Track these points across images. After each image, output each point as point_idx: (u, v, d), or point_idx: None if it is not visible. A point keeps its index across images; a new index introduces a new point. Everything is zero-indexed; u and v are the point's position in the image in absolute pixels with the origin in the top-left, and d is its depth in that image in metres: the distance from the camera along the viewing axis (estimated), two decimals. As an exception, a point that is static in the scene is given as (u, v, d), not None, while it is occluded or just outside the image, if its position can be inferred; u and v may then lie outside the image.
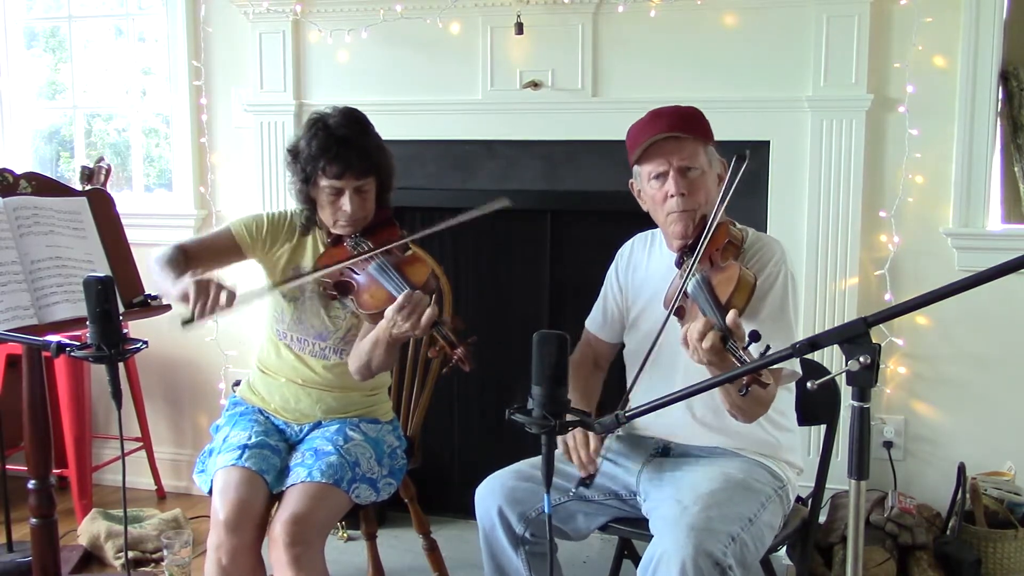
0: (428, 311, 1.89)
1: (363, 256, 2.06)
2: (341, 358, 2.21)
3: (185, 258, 2.18)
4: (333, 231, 2.17)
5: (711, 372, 1.68)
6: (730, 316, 1.64)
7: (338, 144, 2.06)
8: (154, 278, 2.14)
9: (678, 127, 1.93)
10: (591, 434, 1.96)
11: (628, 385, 1.95)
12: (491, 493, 2.00)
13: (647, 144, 1.94)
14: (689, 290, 1.84)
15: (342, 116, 2.11)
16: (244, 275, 2.33)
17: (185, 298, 1.94)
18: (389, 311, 1.92)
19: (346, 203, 2.09)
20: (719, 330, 1.63)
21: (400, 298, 1.91)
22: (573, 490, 2.00)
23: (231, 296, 1.95)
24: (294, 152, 2.14)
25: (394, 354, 2.10)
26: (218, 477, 2.04)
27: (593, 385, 2.21)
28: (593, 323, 2.26)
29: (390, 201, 2.23)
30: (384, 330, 1.96)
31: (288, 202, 2.46)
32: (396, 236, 2.15)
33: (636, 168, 2.02)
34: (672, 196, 1.93)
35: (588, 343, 2.25)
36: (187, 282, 1.95)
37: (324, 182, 2.09)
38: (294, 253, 2.25)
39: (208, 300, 1.92)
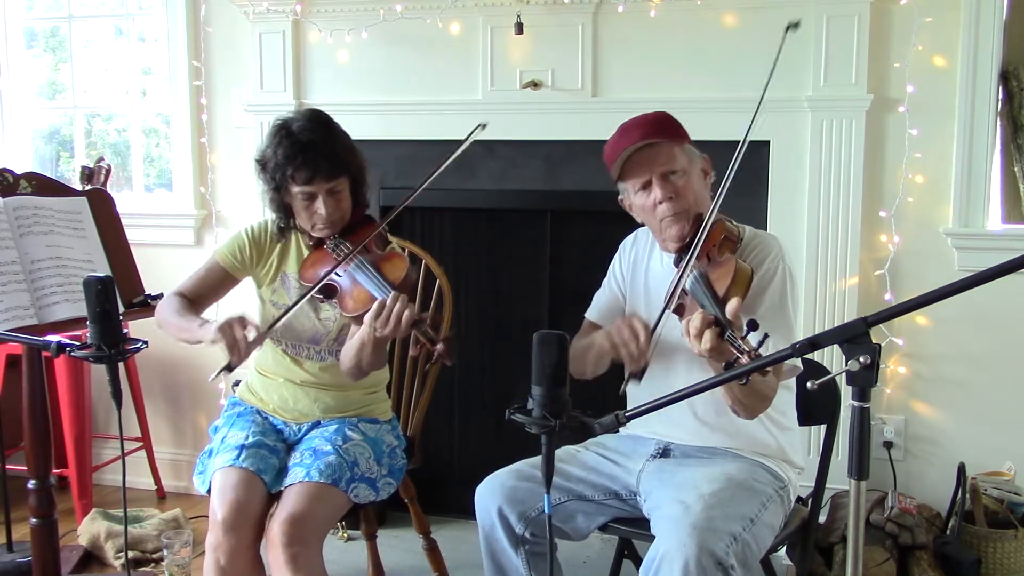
0: (405, 314, 1.89)
1: (341, 262, 2.06)
2: (336, 358, 2.21)
3: (190, 303, 2.21)
4: (312, 235, 2.17)
5: (711, 365, 1.68)
6: (730, 306, 1.63)
7: (304, 150, 2.04)
8: (170, 330, 2.15)
9: (649, 134, 1.93)
10: (639, 326, 1.86)
11: (645, 362, 1.90)
12: (491, 493, 1.99)
13: (623, 158, 1.94)
14: (688, 286, 1.83)
15: (306, 120, 2.09)
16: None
17: (215, 343, 1.96)
18: (367, 319, 1.92)
19: (320, 207, 2.08)
20: (717, 323, 1.62)
21: (374, 307, 1.92)
22: (624, 384, 1.88)
23: (257, 329, 1.96)
24: (262, 162, 2.12)
25: (383, 353, 2.10)
26: (216, 478, 2.04)
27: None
28: (597, 314, 2.22)
29: (366, 197, 2.22)
30: (368, 334, 1.97)
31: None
32: (375, 236, 2.13)
33: (621, 184, 2.02)
34: (660, 202, 1.93)
35: (593, 330, 2.22)
36: (212, 329, 1.97)
37: (296, 188, 2.08)
38: (280, 260, 2.25)
39: (238, 341, 1.94)
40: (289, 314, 2.11)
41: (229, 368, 1.95)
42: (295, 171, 2.05)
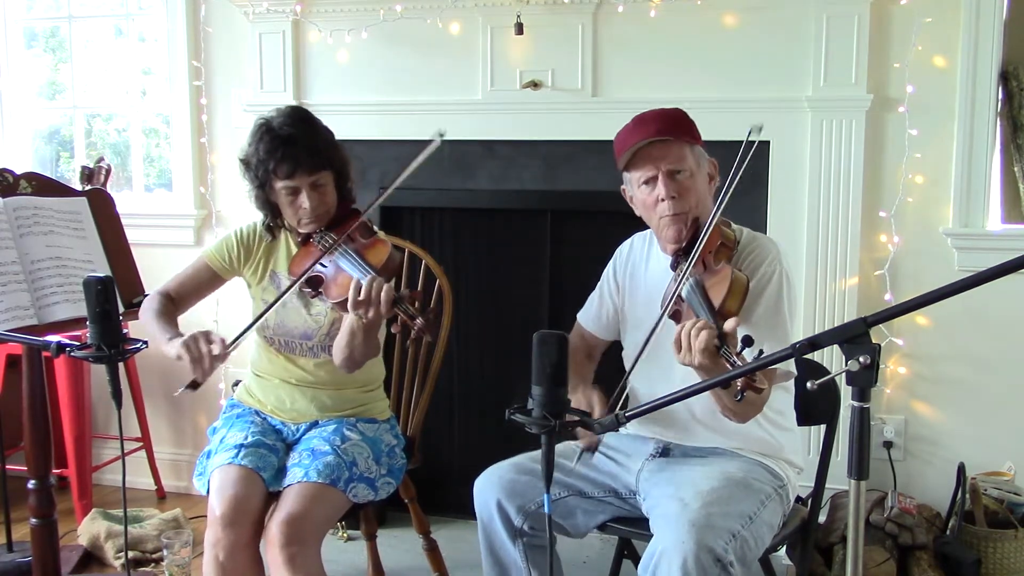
0: (383, 293, 1.89)
1: (326, 252, 2.06)
2: (331, 355, 2.21)
3: (172, 303, 2.22)
4: (300, 231, 2.17)
5: (703, 377, 1.68)
6: (728, 323, 1.64)
7: (284, 144, 2.06)
8: (148, 331, 2.15)
9: (663, 131, 1.93)
10: (595, 400, 1.99)
11: (621, 383, 1.94)
12: (490, 485, 2.00)
13: (633, 150, 1.94)
14: (684, 294, 1.84)
15: (286, 116, 2.11)
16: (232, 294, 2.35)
17: (180, 359, 1.97)
18: (349, 305, 1.93)
19: (304, 201, 2.09)
20: (712, 331, 1.63)
21: (351, 290, 1.92)
22: (577, 458, 1.99)
23: (222, 343, 1.97)
24: (245, 161, 2.14)
25: (375, 340, 2.10)
26: (215, 476, 2.04)
27: (586, 372, 2.21)
28: (586, 318, 2.25)
29: (352, 193, 2.23)
30: (355, 321, 1.98)
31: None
32: (360, 226, 2.13)
33: (626, 174, 2.02)
34: (662, 200, 1.93)
35: (581, 336, 2.25)
36: (177, 344, 1.98)
37: (279, 184, 2.09)
38: (269, 259, 2.26)
39: (202, 357, 1.94)
40: (274, 311, 2.11)
41: (193, 386, 1.96)
42: (276, 165, 2.06)
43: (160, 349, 2.07)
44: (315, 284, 2.08)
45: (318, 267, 2.07)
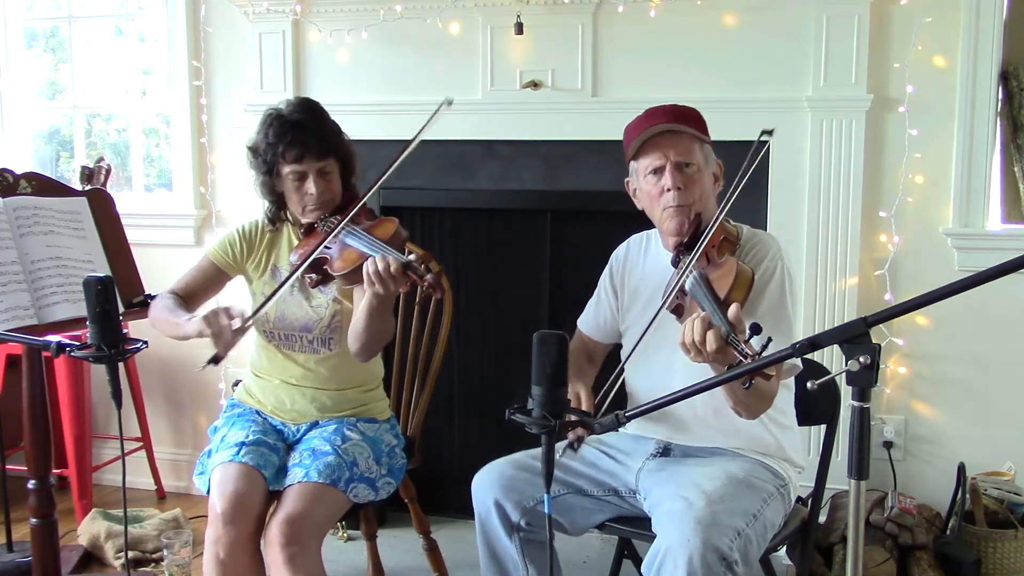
0: (393, 260, 1.87)
1: (333, 233, 2.05)
2: (331, 349, 2.21)
3: (182, 301, 2.22)
4: (304, 220, 2.17)
5: (713, 369, 1.68)
6: (731, 310, 1.63)
7: (294, 128, 2.09)
8: (161, 327, 2.15)
9: (675, 121, 1.94)
10: (583, 395, 1.98)
11: (613, 376, 1.93)
12: (488, 482, 2.01)
13: (644, 137, 1.94)
14: (687, 287, 1.83)
15: (295, 105, 2.15)
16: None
17: (201, 335, 1.96)
18: (366, 285, 1.91)
19: (311, 186, 2.10)
20: (720, 324, 1.62)
21: (368, 270, 1.89)
22: (561, 453, 1.95)
23: (242, 316, 1.97)
24: (254, 148, 2.16)
25: (391, 319, 2.08)
26: (215, 473, 2.04)
27: (585, 371, 2.20)
28: (586, 323, 2.26)
29: (356, 189, 2.23)
30: (371, 300, 1.95)
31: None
32: (364, 211, 2.12)
33: (633, 164, 2.03)
34: (668, 190, 1.93)
35: (581, 341, 2.25)
36: (197, 320, 1.97)
37: (286, 169, 2.10)
38: (271, 253, 2.26)
39: (222, 331, 1.93)
40: (276, 298, 2.10)
41: (215, 360, 1.95)
42: (285, 149, 2.08)
43: (178, 334, 2.06)
44: (319, 267, 2.07)
45: (323, 250, 2.06)
